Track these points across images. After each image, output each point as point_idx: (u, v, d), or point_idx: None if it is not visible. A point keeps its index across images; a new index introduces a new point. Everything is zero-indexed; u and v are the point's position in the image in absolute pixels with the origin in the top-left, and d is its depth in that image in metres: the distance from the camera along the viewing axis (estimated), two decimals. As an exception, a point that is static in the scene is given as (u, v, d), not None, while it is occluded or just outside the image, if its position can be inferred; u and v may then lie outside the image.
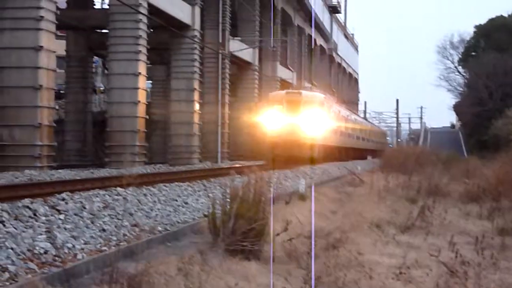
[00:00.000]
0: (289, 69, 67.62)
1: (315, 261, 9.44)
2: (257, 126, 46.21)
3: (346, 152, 59.37)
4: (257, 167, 26.68)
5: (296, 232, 11.11)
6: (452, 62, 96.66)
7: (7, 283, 7.89)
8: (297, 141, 41.76)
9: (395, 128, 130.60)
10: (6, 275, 8.12)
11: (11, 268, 8.30)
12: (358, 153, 67.08)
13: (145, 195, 16.48)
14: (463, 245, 11.60)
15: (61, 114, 49.43)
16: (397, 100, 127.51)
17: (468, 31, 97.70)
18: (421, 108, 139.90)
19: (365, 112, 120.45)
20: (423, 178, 23.94)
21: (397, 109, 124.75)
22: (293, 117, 42.75)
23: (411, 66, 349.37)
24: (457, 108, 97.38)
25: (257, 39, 56.47)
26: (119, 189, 16.09)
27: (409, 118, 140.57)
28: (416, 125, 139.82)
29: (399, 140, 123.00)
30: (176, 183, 20.00)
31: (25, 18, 28.78)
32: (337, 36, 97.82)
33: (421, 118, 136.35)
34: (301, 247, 10.49)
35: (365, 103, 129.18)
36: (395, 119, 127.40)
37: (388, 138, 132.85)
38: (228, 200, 10.93)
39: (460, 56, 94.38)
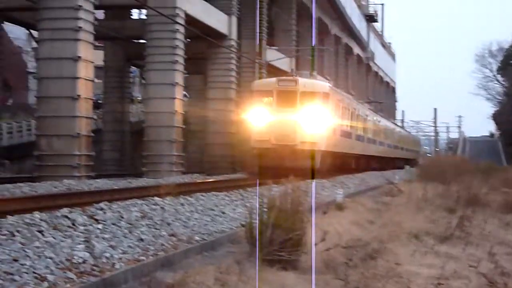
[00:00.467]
0: (326, 78, 67.55)
1: (353, 271, 9.39)
2: (242, 127, 37.05)
3: (366, 161, 51.03)
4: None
5: (334, 242, 11.07)
6: (491, 71, 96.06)
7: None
8: (292, 146, 32.73)
9: (433, 137, 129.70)
10: (45, 284, 8.17)
11: (50, 277, 8.36)
12: (383, 163, 58.84)
13: (182, 204, 16.52)
14: (503, 256, 11.48)
15: (99, 124, 49.82)
16: (435, 109, 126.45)
17: (507, 40, 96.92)
18: (459, 117, 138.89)
19: (402, 121, 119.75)
20: (461, 187, 23.72)
21: (435, 118, 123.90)
22: (287, 114, 33.06)
23: (449, 75, 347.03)
24: (496, 117, 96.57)
25: (294, 48, 56.51)
26: (156, 198, 16.18)
27: (447, 127, 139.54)
28: (454, 134, 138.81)
29: (437, 149, 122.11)
30: (213, 192, 20.02)
31: (64, 28, 29.12)
32: (374, 45, 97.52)
33: (459, 127, 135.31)
34: (339, 257, 10.44)
35: (403, 112, 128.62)
36: (433, 128, 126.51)
37: (426, 147, 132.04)
38: (266, 209, 10.91)
39: (499, 64, 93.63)
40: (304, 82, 34.68)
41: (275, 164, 31.77)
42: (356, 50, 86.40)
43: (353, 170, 43.16)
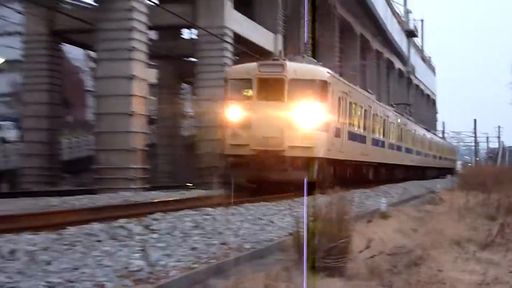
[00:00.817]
0: (368, 91, 67.27)
1: (398, 278, 9.31)
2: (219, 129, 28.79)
3: (388, 171, 42.41)
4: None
5: (378, 249, 10.98)
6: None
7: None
8: (278, 153, 24.52)
9: (473, 147, 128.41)
10: (104, 291, 8.24)
11: (109, 285, 8.41)
12: (411, 173, 50.85)
13: (233, 214, 16.54)
14: (544, 262, 11.29)
15: (155, 139, 50.18)
16: (475, 120, 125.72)
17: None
18: (499, 127, 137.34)
19: (443, 132, 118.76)
20: (502, 196, 23.38)
21: (475, 128, 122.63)
22: (271, 109, 24.80)
23: (488, 87, 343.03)
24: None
25: (337, 64, 56.40)
26: (208, 209, 16.23)
27: (487, 137, 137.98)
28: (494, 144, 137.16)
29: (477, 159, 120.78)
30: (262, 202, 20.01)
31: (119, 49, 29.46)
32: (414, 59, 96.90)
33: (498, 137, 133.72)
34: (384, 264, 10.35)
35: (443, 123, 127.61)
36: (473, 138, 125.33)
37: (467, 157, 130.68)
38: (312, 218, 10.86)
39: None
40: (294, 67, 25.79)
41: (257, 177, 25.00)
42: (397, 64, 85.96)
43: (372, 182, 35.94)
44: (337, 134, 27.93)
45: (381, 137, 39.26)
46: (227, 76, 27.54)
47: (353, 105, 31.40)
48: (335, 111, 27.63)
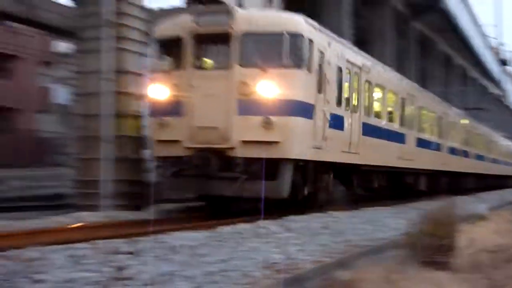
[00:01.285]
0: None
1: (497, 272, 9.05)
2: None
3: (451, 180, 29.31)
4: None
5: (479, 247, 10.67)
6: None
7: (248, 286, 8.08)
8: (223, 152, 13.61)
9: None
10: (250, 279, 8.33)
11: (253, 273, 8.52)
12: (482, 181, 37.68)
13: (354, 217, 16.46)
14: None
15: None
16: None
17: None
18: None
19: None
20: None
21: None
22: (213, 83, 13.74)
23: None
24: None
25: (441, 91, 55.39)
26: (334, 212, 16.26)
27: None
28: None
29: None
30: (378, 207, 19.77)
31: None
32: (507, 84, 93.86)
33: None
34: (484, 260, 10.05)
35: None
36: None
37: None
38: (422, 220, 10.66)
39: None
40: (248, 15, 14.24)
41: (195, 191, 14.79)
42: (491, 89, 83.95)
43: (424, 195, 21.08)
44: (337, 125, 16.03)
45: (436, 138, 26.84)
46: (156, 37, 15.20)
47: (375, 88, 19.03)
48: (331, 88, 15.44)
